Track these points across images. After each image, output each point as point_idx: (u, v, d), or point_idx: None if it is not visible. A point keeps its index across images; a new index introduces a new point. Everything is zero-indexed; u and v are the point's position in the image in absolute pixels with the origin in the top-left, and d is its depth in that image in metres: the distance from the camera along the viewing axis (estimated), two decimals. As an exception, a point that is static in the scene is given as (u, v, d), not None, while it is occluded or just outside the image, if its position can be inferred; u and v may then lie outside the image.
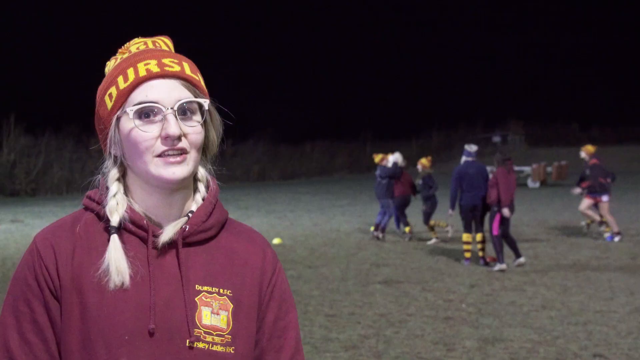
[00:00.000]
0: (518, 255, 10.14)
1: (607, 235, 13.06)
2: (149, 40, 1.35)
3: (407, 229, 13.69)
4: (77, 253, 1.26)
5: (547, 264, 10.45)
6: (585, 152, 13.20)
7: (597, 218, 13.10)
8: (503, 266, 9.82)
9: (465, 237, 10.66)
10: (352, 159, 49.31)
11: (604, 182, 12.87)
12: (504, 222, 9.98)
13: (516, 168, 33.22)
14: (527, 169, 32.22)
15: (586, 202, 13.08)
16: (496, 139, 54.41)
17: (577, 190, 13.34)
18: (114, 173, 1.31)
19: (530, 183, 30.93)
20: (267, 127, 46.63)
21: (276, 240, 13.51)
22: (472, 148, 10.99)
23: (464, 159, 10.94)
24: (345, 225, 16.66)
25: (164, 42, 1.37)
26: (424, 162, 13.71)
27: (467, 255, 10.68)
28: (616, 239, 12.74)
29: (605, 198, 12.91)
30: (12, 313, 1.25)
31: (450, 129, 58.50)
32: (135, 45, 1.34)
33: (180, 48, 1.40)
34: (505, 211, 9.90)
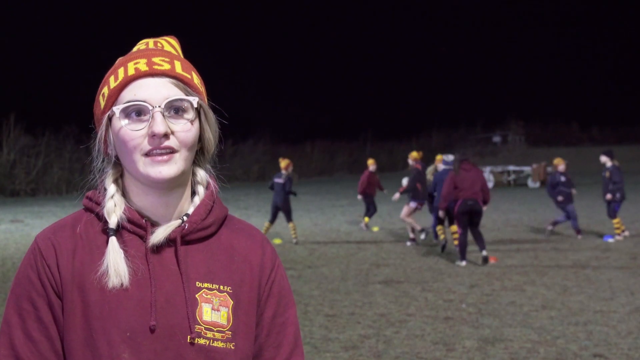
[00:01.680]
0: (482, 248, 10.50)
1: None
2: (150, 41, 1.36)
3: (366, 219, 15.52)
4: (78, 252, 1.27)
5: (547, 264, 10.45)
6: (411, 158, 13.49)
7: (417, 227, 13.19)
8: (462, 263, 10.42)
9: (439, 228, 12.16)
10: (352, 159, 49.28)
11: (419, 188, 13.04)
12: (465, 219, 10.39)
13: (516, 168, 33.38)
14: (527, 169, 32.23)
15: (405, 210, 13.29)
16: (496, 139, 54.43)
17: (396, 195, 14.06)
18: (111, 174, 1.31)
19: (530, 183, 30.93)
20: (267, 127, 46.67)
21: (276, 241, 13.52)
22: (449, 158, 12.44)
23: (442, 166, 12.41)
24: (345, 225, 16.67)
25: (168, 42, 1.37)
26: (283, 165, 13.84)
27: (442, 237, 12.12)
28: (408, 243, 12.95)
29: (412, 204, 13.14)
30: (16, 312, 1.26)
31: (450, 129, 58.48)
32: (138, 46, 1.36)
33: (182, 48, 1.40)
34: (440, 213, 11.16)
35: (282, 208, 13.44)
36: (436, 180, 12.26)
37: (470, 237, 10.83)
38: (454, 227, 11.52)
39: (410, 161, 13.58)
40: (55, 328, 1.25)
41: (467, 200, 10.29)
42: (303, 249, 12.49)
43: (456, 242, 11.43)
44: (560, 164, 13.89)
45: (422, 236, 13.48)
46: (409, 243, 12.94)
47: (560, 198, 13.45)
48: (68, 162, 32.26)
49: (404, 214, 13.23)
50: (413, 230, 13.15)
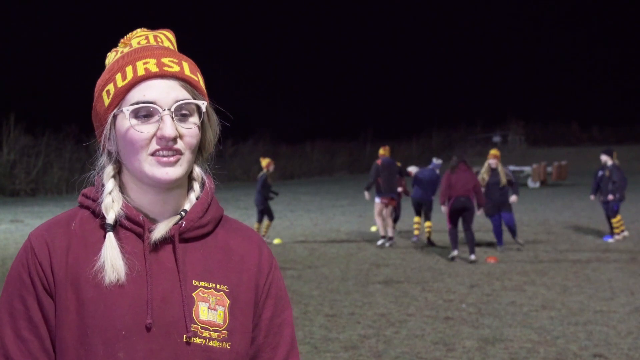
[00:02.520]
0: (471, 252, 10.91)
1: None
2: (150, 35, 1.35)
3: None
4: (72, 249, 1.26)
5: (547, 264, 10.45)
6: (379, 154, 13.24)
7: (389, 232, 12.85)
8: (454, 253, 11.02)
9: (416, 219, 13.35)
10: (352, 159, 49.25)
11: (380, 183, 12.82)
12: (460, 217, 11.02)
13: (516, 168, 33.37)
14: (527, 169, 32.22)
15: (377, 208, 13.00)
16: (496, 139, 54.37)
17: (365, 192, 13.69)
18: (109, 170, 1.31)
19: (530, 183, 30.91)
20: (267, 127, 46.61)
21: (276, 241, 13.51)
22: (438, 161, 13.77)
23: (430, 167, 13.47)
24: (345, 225, 16.67)
25: (166, 37, 1.36)
26: (264, 164, 13.76)
27: (416, 232, 13.36)
28: (385, 243, 12.60)
29: (377, 200, 12.89)
30: (6, 310, 1.25)
31: (450, 129, 58.44)
32: (137, 39, 1.34)
33: (181, 47, 1.39)
34: (443, 208, 11.59)
35: (256, 205, 13.49)
36: (418, 176, 13.16)
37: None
38: (429, 223, 13.01)
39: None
40: (45, 327, 1.24)
41: (459, 197, 11.01)
42: (303, 249, 12.49)
43: (427, 235, 13.00)
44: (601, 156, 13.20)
45: (387, 244, 12.64)
46: (379, 242, 12.68)
47: (609, 197, 12.77)
48: (68, 162, 32.22)
49: (375, 212, 12.97)
50: (386, 228, 12.87)
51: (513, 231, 12.04)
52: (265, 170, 13.62)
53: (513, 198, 12.01)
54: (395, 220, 14.44)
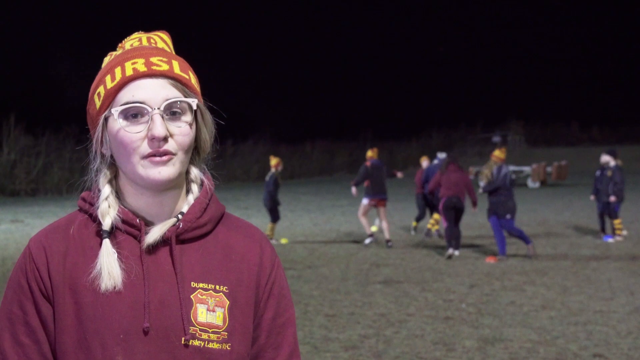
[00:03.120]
0: (455, 248, 11.33)
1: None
2: (144, 37, 1.34)
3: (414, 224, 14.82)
4: (70, 254, 1.26)
5: (547, 264, 10.45)
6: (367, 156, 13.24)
7: (368, 230, 12.80)
8: (449, 252, 11.13)
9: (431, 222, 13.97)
10: (352, 159, 49.22)
11: (369, 185, 12.82)
12: (451, 214, 11.27)
13: (516, 168, 33.37)
14: (527, 169, 32.22)
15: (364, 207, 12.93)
16: (496, 139, 54.36)
17: (353, 189, 13.29)
18: (105, 174, 1.30)
19: (530, 183, 30.92)
20: (267, 127, 46.62)
21: (282, 241, 13.49)
22: (442, 155, 14.34)
23: (436, 162, 14.07)
24: (345, 225, 16.66)
25: (161, 38, 1.35)
26: (272, 163, 13.66)
27: (414, 224, 14.41)
28: (367, 241, 12.66)
29: (364, 201, 12.92)
30: (5, 315, 1.26)
31: (450, 129, 58.44)
32: (130, 41, 1.33)
33: (180, 47, 1.39)
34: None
35: (265, 206, 13.49)
36: (427, 173, 13.81)
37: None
38: (437, 216, 13.60)
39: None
40: (43, 332, 1.24)
41: (451, 198, 11.25)
42: (303, 249, 12.48)
43: (437, 227, 13.75)
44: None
45: (367, 240, 12.78)
46: (367, 241, 12.73)
47: (611, 199, 12.70)
48: (68, 162, 32.21)
49: (360, 212, 12.98)
50: (364, 225, 12.85)
51: (518, 237, 10.96)
52: (274, 169, 13.57)
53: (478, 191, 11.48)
54: (420, 219, 14.55)
